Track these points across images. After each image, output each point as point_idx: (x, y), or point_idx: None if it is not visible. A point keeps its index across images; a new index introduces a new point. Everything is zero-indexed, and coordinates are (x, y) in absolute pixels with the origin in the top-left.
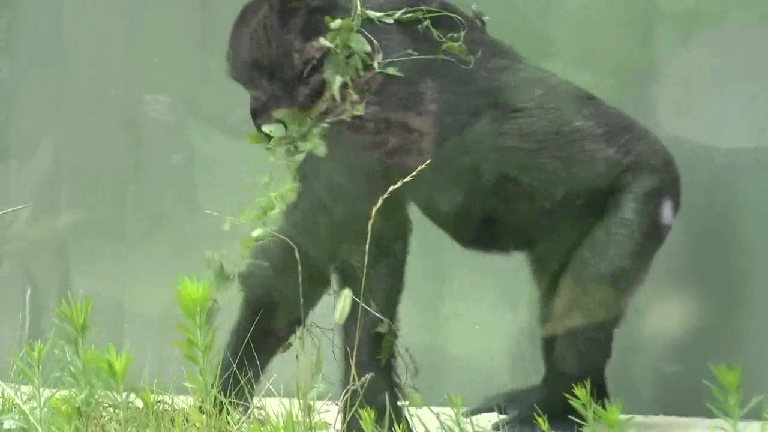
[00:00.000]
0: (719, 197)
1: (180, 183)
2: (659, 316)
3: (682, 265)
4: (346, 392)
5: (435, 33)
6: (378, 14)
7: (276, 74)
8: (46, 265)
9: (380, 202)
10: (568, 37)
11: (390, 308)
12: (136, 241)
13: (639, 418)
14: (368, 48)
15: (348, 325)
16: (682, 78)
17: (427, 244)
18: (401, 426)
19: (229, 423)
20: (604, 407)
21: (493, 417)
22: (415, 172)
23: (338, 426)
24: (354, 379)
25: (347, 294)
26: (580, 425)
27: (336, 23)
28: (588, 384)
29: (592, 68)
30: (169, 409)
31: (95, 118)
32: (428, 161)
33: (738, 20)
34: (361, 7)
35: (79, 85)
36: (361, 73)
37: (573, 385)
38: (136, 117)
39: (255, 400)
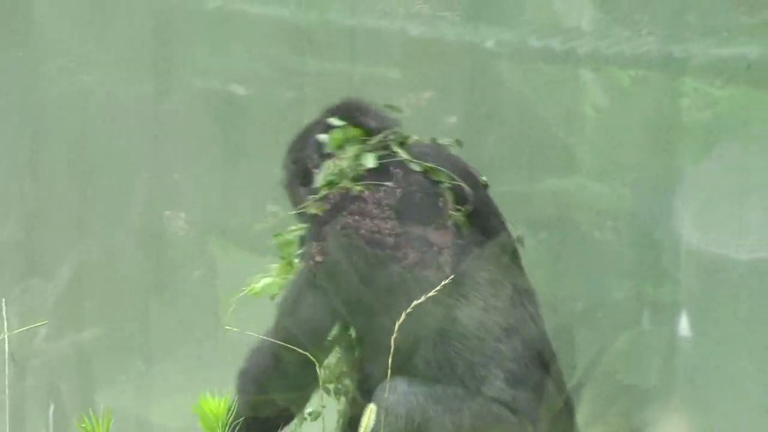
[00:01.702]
0: (740, 308)
1: (201, 298)
2: None
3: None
4: None
5: (449, 199)
6: (406, 156)
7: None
8: (69, 381)
9: (403, 317)
10: (587, 149)
11: None
12: (159, 356)
13: None
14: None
15: None
16: (702, 190)
17: None
18: None
19: None
20: None
21: None
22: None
23: None
24: None
25: (372, 409)
26: None
27: (349, 131)
28: None
29: (611, 180)
30: None
31: (117, 234)
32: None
33: (759, 130)
34: (392, 135)
35: (101, 202)
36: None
37: None
38: (157, 233)
39: None
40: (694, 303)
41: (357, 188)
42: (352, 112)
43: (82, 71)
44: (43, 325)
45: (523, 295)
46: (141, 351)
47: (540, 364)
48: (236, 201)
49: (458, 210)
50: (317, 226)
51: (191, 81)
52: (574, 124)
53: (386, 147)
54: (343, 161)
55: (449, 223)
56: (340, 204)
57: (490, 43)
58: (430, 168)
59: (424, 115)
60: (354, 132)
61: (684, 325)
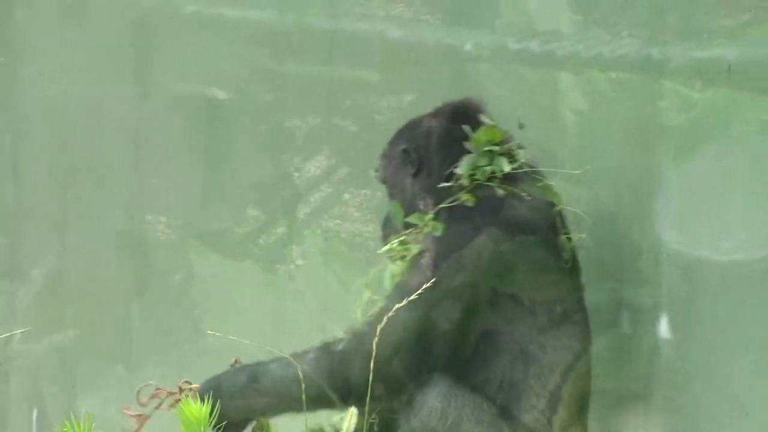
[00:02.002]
0: (721, 308)
1: (182, 303)
2: None
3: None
4: None
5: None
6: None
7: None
8: (51, 385)
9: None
10: (566, 151)
11: None
12: (140, 360)
13: None
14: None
15: None
16: (682, 192)
17: None
18: None
19: None
20: None
21: None
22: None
23: None
24: None
25: (353, 412)
26: None
27: (493, 131)
28: None
29: (591, 183)
30: None
31: (98, 237)
32: None
33: (739, 132)
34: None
35: (81, 206)
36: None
37: None
38: (138, 237)
39: None
40: (674, 305)
41: (500, 191)
42: (475, 112)
43: (62, 75)
44: (25, 331)
45: (584, 325)
46: (122, 355)
47: (577, 398)
48: (216, 205)
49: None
50: (469, 218)
51: (171, 85)
52: (554, 127)
53: (511, 155)
54: (481, 159)
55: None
56: (494, 202)
57: (468, 46)
58: (547, 187)
59: (404, 118)
60: (496, 133)
61: (664, 328)
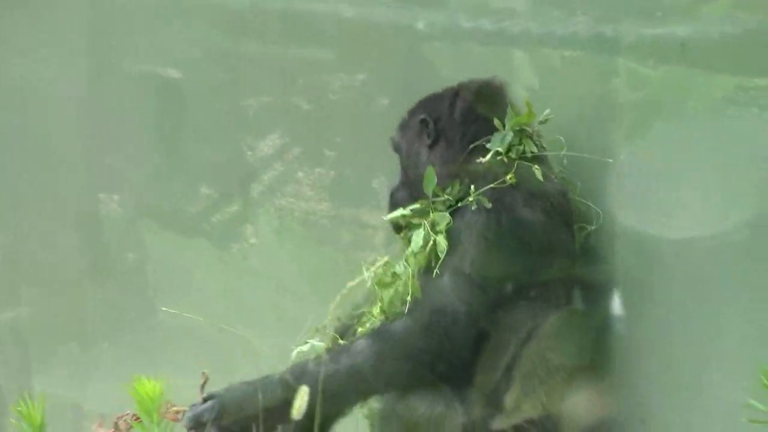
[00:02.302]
0: (675, 286)
1: (136, 281)
2: None
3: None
4: None
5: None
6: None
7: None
8: (4, 365)
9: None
10: None
11: None
12: (94, 339)
13: None
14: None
15: None
16: (636, 170)
17: None
18: None
19: None
20: None
21: None
22: None
23: None
24: None
25: (305, 391)
26: None
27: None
28: None
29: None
30: None
31: (52, 216)
32: None
33: (693, 110)
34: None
35: (35, 184)
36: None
37: None
38: (92, 215)
39: None
40: (628, 283)
41: (538, 172)
42: (500, 91)
43: (16, 55)
44: None
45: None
46: (76, 334)
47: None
48: (170, 184)
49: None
50: (515, 198)
51: (124, 64)
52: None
53: (537, 137)
54: (513, 138)
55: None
56: (538, 184)
57: (421, 25)
58: (563, 172)
59: (357, 97)
60: (530, 115)
61: (618, 305)
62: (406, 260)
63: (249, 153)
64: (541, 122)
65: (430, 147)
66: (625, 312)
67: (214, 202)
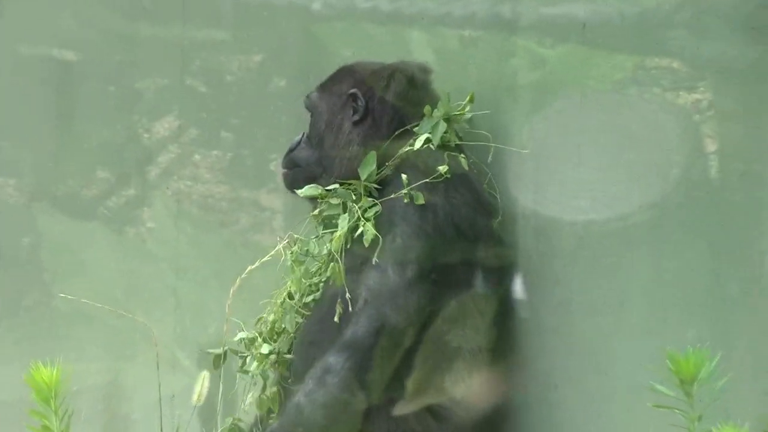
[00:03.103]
0: (577, 268)
1: (32, 266)
2: None
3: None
4: None
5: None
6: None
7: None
8: None
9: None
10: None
11: None
12: None
13: None
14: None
15: None
16: (536, 150)
17: None
18: None
19: None
20: None
21: None
22: None
23: None
24: None
25: (206, 376)
26: None
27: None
28: None
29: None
30: None
31: None
32: None
33: (592, 90)
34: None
35: None
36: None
37: None
38: None
39: None
40: (530, 265)
41: (464, 162)
42: (430, 77)
43: None
44: None
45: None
46: None
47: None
48: (66, 167)
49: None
50: (448, 189)
51: (19, 47)
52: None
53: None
54: (441, 126)
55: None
56: (467, 175)
57: (318, 5)
58: (476, 162)
59: (254, 78)
60: (451, 106)
61: (520, 288)
62: (324, 240)
63: (145, 135)
64: (462, 114)
65: (355, 123)
66: (529, 295)
67: (111, 186)
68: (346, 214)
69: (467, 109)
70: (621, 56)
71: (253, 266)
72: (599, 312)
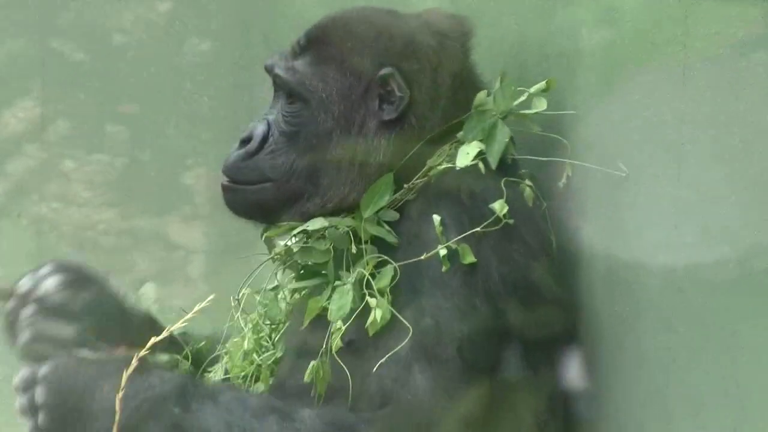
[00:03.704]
0: (676, 341)
1: None
2: None
3: None
4: None
5: None
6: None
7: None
8: None
9: None
10: None
11: None
12: None
13: None
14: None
15: None
16: (610, 158)
17: None
18: None
19: None
20: None
21: None
22: None
23: None
24: None
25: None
26: None
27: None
28: None
29: None
30: None
31: None
32: None
33: (703, 58)
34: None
35: None
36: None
37: None
38: None
39: None
40: (600, 334)
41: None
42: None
43: None
44: None
45: None
46: None
47: None
48: None
49: None
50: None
51: None
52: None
53: None
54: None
55: None
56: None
57: None
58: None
59: (159, 38)
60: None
61: (581, 375)
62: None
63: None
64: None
65: (386, 122)
66: (596, 384)
67: None
68: (347, 286)
69: (540, 104)
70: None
71: (158, 339)
72: (710, 410)
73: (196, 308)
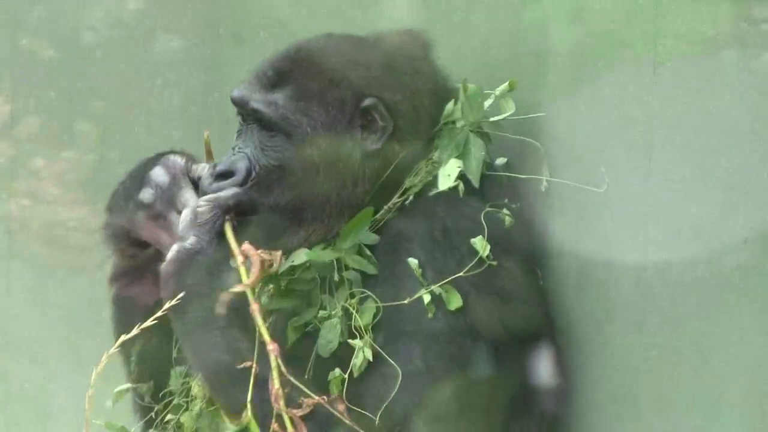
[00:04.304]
0: (645, 341)
1: None
2: None
3: None
4: None
5: None
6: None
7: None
8: None
9: None
10: None
11: None
12: None
13: None
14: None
15: None
16: (579, 155)
17: None
18: None
19: None
20: None
21: None
22: None
23: None
24: None
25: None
26: None
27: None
28: None
29: None
30: None
31: None
32: None
33: (673, 55)
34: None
35: None
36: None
37: None
38: None
39: None
40: (571, 333)
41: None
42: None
43: None
44: None
45: None
46: None
47: None
48: None
49: None
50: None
51: None
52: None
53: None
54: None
55: None
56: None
57: None
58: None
59: (130, 35)
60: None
61: (551, 372)
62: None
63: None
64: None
65: (369, 153)
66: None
67: None
68: (335, 321)
69: (508, 107)
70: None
71: (128, 336)
72: (680, 410)
73: (166, 306)
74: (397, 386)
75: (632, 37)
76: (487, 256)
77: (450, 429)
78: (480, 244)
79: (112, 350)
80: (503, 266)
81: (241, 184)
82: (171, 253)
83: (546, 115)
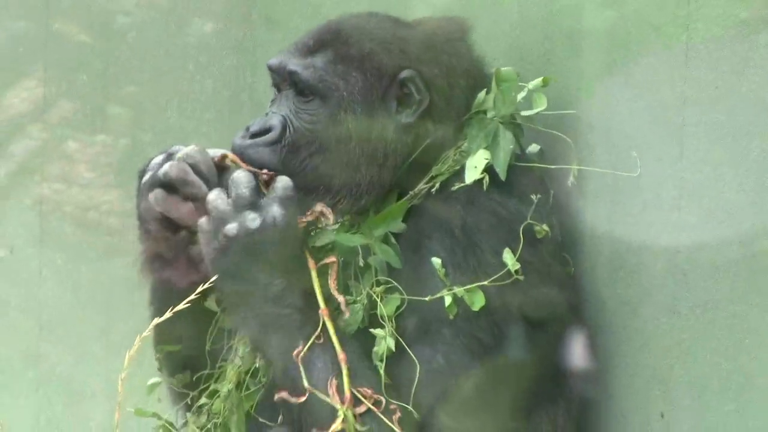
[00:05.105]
0: (680, 325)
1: None
2: None
3: None
4: None
5: None
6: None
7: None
8: None
9: None
10: None
11: None
12: None
13: None
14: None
15: None
16: (611, 141)
17: None
18: None
19: None
20: None
21: None
22: None
23: None
24: None
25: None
26: None
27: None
28: None
29: None
30: None
31: None
32: None
33: (705, 38)
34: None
35: None
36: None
37: None
38: None
39: None
40: (603, 320)
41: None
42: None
43: None
44: None
45: None
46: None
47: None
48: None
49: None
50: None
51: None
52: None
53: None
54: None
55: None
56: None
57: None
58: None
59: (162, 20)
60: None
61: (583, 358)
62: None
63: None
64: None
65: (403, 126)
66: (599, 367)
67: None
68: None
69: (540, 102)
70: None
71: (161, 319)
72: (713, 393)
73: (200, 289)
74: (425, 373)
75: (665, 21)
76: (516, 271)
77: (478, 415)
78: (509, 257)
79: (145, 333)
80: (529, 256)
81: (276, 142)
82: (231, 231)
83: (577, 101)
